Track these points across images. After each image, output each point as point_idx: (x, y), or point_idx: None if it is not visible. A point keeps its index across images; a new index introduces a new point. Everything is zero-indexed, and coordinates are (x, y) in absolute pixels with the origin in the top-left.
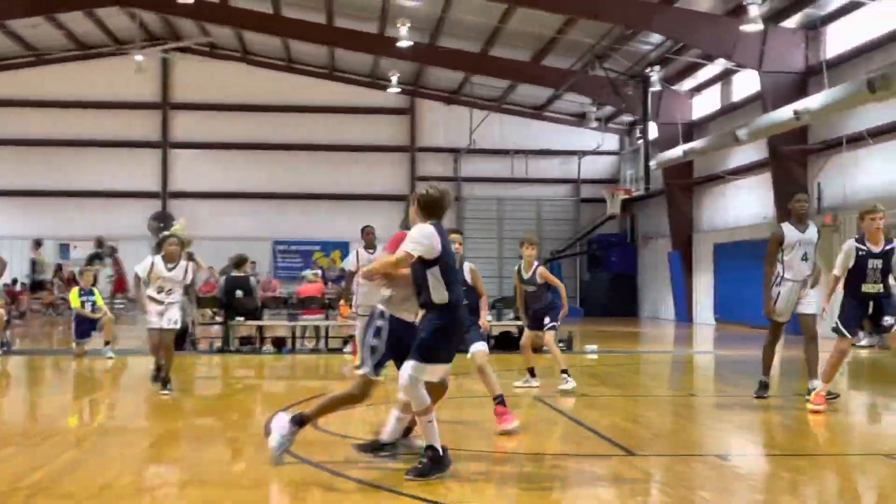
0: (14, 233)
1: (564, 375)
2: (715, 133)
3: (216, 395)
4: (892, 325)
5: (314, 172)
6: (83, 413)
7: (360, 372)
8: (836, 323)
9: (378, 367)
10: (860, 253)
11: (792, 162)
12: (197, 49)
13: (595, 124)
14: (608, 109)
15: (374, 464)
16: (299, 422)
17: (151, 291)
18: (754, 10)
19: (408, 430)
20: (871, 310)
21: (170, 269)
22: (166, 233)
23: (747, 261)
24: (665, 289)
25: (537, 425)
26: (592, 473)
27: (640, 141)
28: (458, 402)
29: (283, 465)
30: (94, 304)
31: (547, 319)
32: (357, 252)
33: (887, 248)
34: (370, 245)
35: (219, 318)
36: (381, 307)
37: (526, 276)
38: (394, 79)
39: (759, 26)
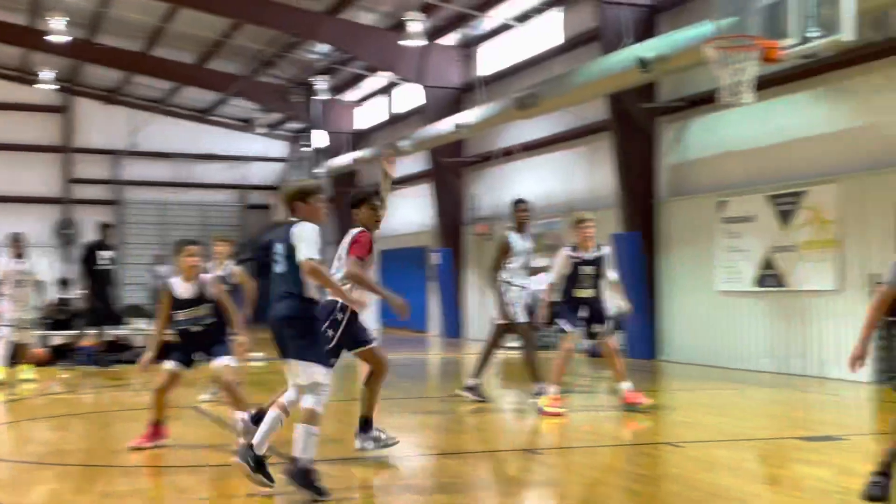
0: None
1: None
2: (380, 143)
3: None
4: (602, 332)
5: None
6: None
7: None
8: (560, 323)
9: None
10: (573, 260)
11: (450, 173)
12: None
13: (262, 130)
14: (275, 116)
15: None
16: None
17: None
18: (414, 27)
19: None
20: (587, 313)
21: None
22: None
23: (412, 267)
24: None
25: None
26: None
27: (307, 149)
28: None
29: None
30: None
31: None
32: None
33: (598, 254)
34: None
35: None
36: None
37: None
38: (46, 75)
39: (420, 42)
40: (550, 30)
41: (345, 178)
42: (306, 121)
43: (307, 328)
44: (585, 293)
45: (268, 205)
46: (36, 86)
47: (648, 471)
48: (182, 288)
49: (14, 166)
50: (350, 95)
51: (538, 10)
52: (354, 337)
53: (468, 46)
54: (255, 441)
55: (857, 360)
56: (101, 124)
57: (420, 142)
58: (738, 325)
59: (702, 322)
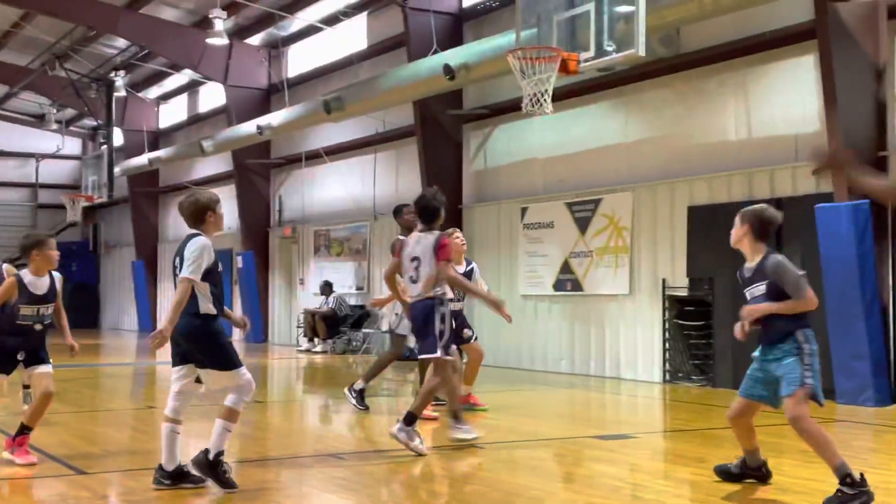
0: None
1: None
2: (182, 143)
3: None
4: (470, 337)
5: None
6: None
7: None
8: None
9: (447, 348)
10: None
11: (255, 175)
12: None
13: (55, 126)
14: (70, 112)
15: None
16: (411, 420)
17: None
18: (219, 25)
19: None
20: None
21: None
22: None
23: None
24: (128, 299)
25: None
26: (40, 497)
27: (104, 146)
28: None
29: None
30: None
31: None
32: None
33: (468, 268)
34: None
35: None
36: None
37: None
38: None
39: (225, 41)
40: (358, 34)
41: (143, 178)
42: (103, 118)
43: (210, 342)
44: (457, 306)
45: (61, 204)
46: None
47: (450, 472)
48: (32, 282)
49: None
50: (153, 93)
51: (345, 14)
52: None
53: (275, 47)
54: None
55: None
56: None
57: (222, 143)
58: (540, 328)
59: (506, 325)
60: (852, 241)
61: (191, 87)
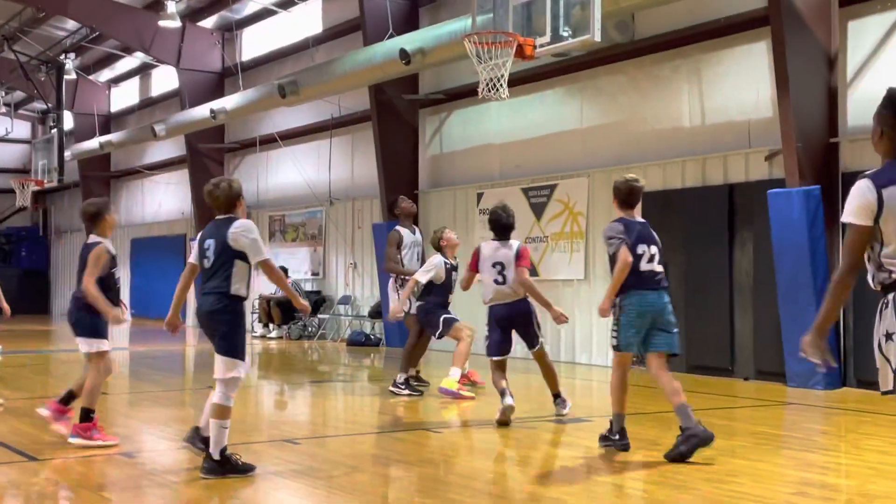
0: None
1: None
2: (134, 126)
3: None
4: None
5: None
6: None
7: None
8: (443, 317)
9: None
10: (447, 266)
11: (209, 160)
12: None
13: (3, 109)
14: (19, 94)
15: None
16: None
17: None
18: (172, 7)
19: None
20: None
21: None
22: None
23: (165, 256)
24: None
25: None
26: None
27: (54, 130)
28: None
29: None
30: None
31: None
32: None
33: (456, 262)
34: None
35: None
36: None
37: None
38: None
39: (177, 23)
40: (313, 17)
41: (94, 162)
42: (53, 101)
43: (230, 324)
44: (450, 298)
45: (10, 189)
46: None
47: (406, 457)
48: None
49: None
50: (104, 76)
51: None
52: None
53: (229, 30)
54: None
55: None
56: None
57: (175, 127)
58: None
59: (461, 309)
60: (804, 226)
61: (143, 70)
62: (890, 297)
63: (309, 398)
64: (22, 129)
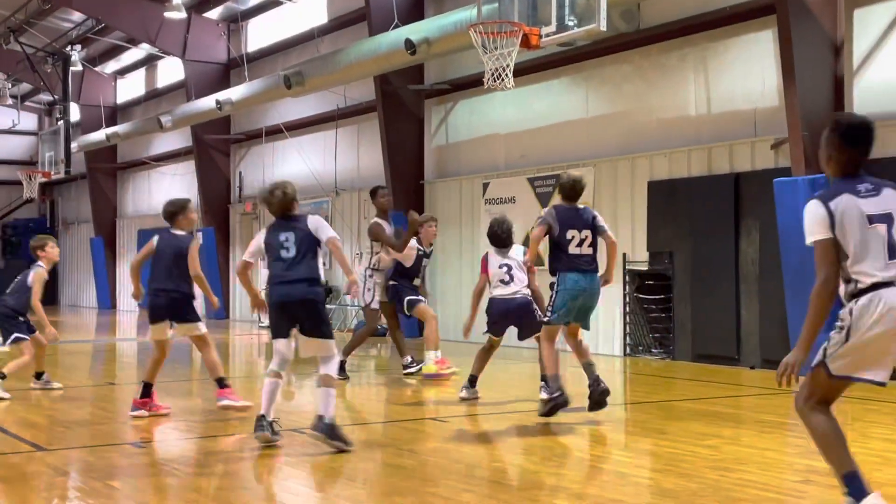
0: None
1: None
2: (140, 118)
3: None
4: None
5: None
6: None
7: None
8: (409, 298)
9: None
10: (419, 252)
11: (215, 151)
12: None
13: (10, 101)
14: (25, 86)
15: None
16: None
17: None
18: None
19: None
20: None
21: None
22: None
23: None
24: (87, 275)
25: None
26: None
27: (61, 122)
28: None
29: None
30: None
31: None
32: None
33: (430, 249)
34: None
35: None
36: None
37: None
38: None
39: (183, 14)
40: (318, 8)
41: (101, 154)
42: (60, 92)
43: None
44: (418, 283)
45: (17, 180)
46: None
47: (413, 445)
48: None
49: None
50: (110, 67)
51: None
52: None
53: (234, 21)
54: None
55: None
56: None
57: (181, 118)
58: None
59: (467, 300)
60: None
61: (149, 62)
62: (854, 302)
63: (314, 388)
64: (29, 120)
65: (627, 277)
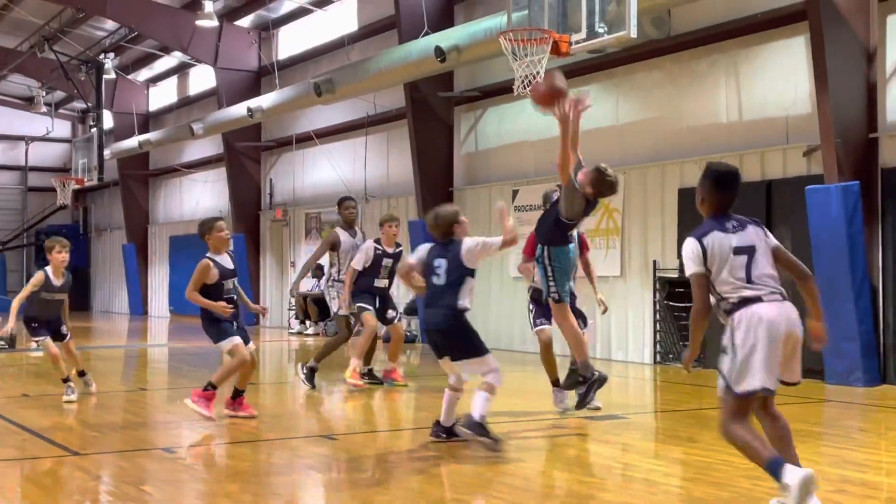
0: None
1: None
2: (171, 125)
3: None
4: (394, 318)
5: None
6: None
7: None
8: (361, 304)
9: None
10: (377, 252)
11: (246, 158)
12: None
13: (45, 109)
14: (59, 94)
15: None
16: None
17: None
18: (209, 6)
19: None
20: (377, 303)
21: None
22: None
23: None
24: (119, 281)
25: None
26: (35, 478)
27: (94, 129)
28: None
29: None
30: None
31: None
32: None
33: (397, 250)
34: None
35: None
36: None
37: None
38: None
39: (214, 23)
40: (349, 16)
41: (133, 161)
42: (93, 100)
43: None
44: (381, 283)
45: (51, 187)
46: None
47: (442, 453)
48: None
49: None
50: (143, 75)
51: None
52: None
53: (265, 29)
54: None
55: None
56: None
57: (212, 125)
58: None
59: (496, 307)
60: (842, 222)
61: (181, 70)
62: (731, 320)
63: (345, 394)
64: (62, 128)
65: (657, 285)
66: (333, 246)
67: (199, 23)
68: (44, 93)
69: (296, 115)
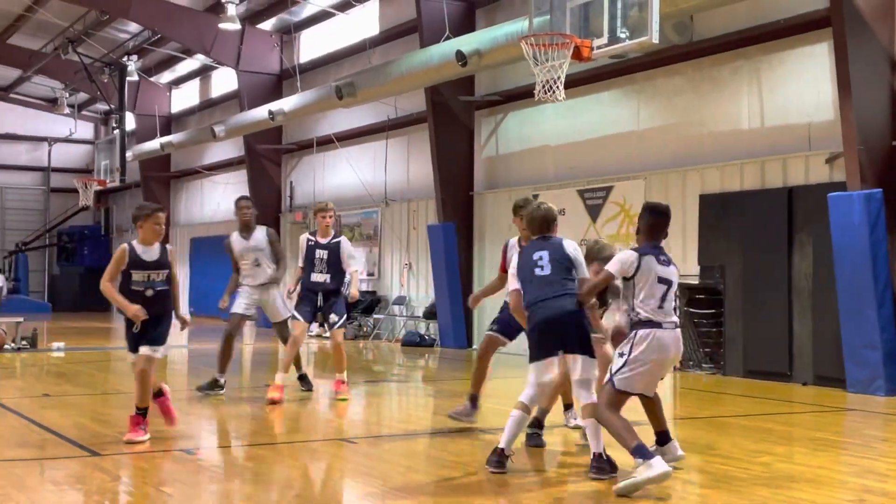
0: None
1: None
2: (193, 128)
3: None
4: (335, 322)
5: None
6: None
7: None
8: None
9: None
10: (309, 243)
11: (267, 160)
12: None
13: (68, 110)
14: (82, 96)
15: None
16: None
17: None
18: (232, 10)
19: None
20: (320, 301)
21: None
22: None
23: (223, 255)
24: None
25: None
26: (55, 478)
27: (116, 131)
28: None
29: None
30: None
31: None
32: None
33: (334, 240)
34: None
35: None
36: None
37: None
38: None
39: (237, 26)
40: (370, 19)
41: (155, 163)
42: (116, 102)
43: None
44: (320, 278)
45: (74, 188)
46: None
47: (459, 457)
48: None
49: None
50: (165, 77)
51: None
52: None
53: (287, 33)
54: (503, 444)
55: None
56: None
57: (234, 128)
58: None
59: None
60: (865, 230)
61: (203, 72)
62: (634, 333)
63: (364, 398)
64: (85, 129)
65: (678, 291)
66: (230, 251)
67: (221, 26)
68: (67, 94)
69: (317, 118)
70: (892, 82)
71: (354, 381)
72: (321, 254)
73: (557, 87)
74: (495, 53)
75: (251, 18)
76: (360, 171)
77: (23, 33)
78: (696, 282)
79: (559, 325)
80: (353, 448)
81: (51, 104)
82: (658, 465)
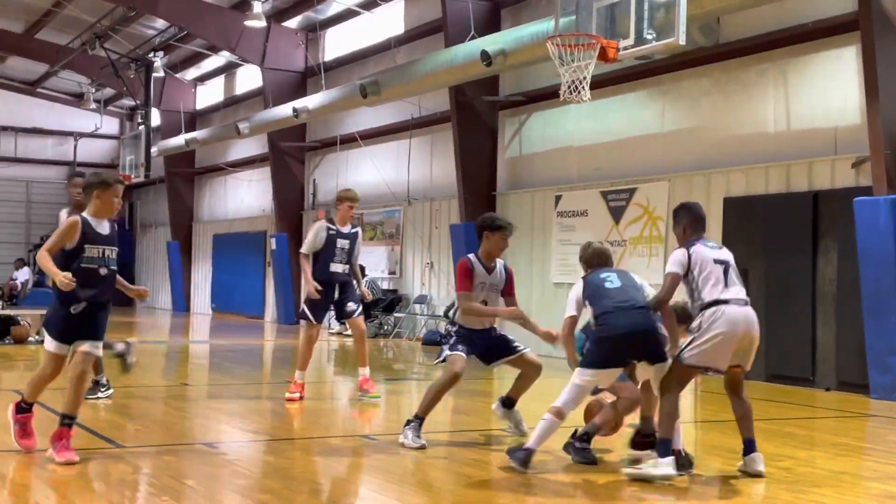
0: None
1: None
2: (218, 124)
3: None
4: (354, 311)
5: None
6: None
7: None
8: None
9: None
10: (330, 232)
11: (290, 158)
12: None
13: (94, 105)
14: (108, 91)
15: None
16: (418, 418)
17: None
18: (258, 7)
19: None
20: (336, 293)
21: None
22: None
23: (247, 252)
24: (163, 278)
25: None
26: (80, 471)
27: (142, 126)
28: None
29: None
30: None
31: None
32: None
33: (353, 230)
34: None
35: None
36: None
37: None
38: None
39: (263, 23)
40: (395, 18)
41: (179, 159)
42: (141, 98)
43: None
44: (339, 268)
45: None
46: None
47: (481, 456)
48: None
49: None
50: (191, 74)
51: None
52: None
53: (312, 31)
54: (531, 444)
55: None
56: None
57: (258, 125)
58: None
59: (536, 313)
60: (891, 234)
61: (228, 69)
62: (702, 314)
63: (384, 396)
64: (111, 125)
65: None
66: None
67: (247, 23)
68: (93, 90)
69: (341, 116)
70: None
71: (375, 378)
72: (343, 243)
73: (583, 87)
74: (520, 53)
75: (277, 16)
76: (383, 169)
77: (50, 28)
78: None
79: (638, 338)
80: (373, 445)
81: (77, 99)
82: (664, 467)
